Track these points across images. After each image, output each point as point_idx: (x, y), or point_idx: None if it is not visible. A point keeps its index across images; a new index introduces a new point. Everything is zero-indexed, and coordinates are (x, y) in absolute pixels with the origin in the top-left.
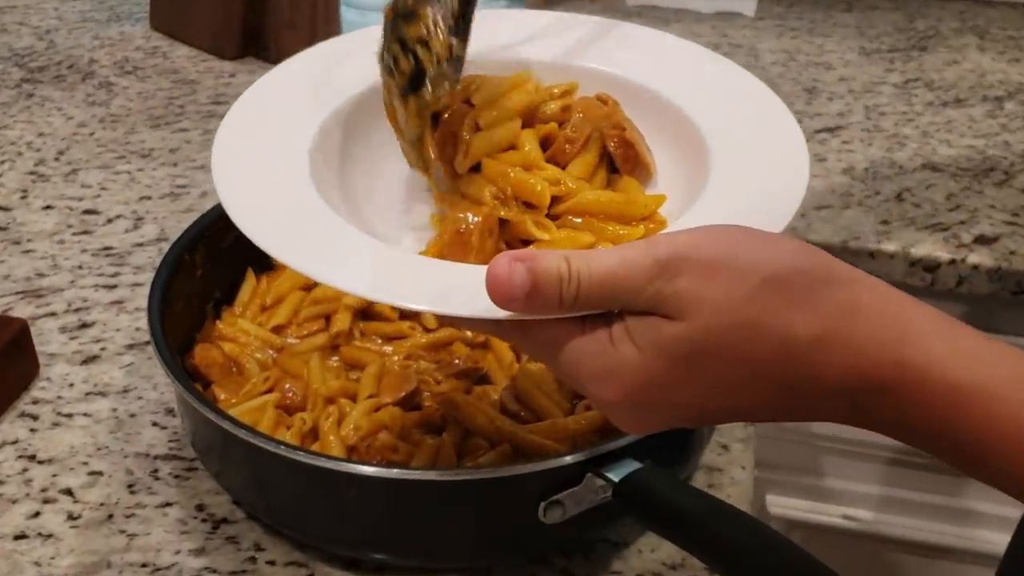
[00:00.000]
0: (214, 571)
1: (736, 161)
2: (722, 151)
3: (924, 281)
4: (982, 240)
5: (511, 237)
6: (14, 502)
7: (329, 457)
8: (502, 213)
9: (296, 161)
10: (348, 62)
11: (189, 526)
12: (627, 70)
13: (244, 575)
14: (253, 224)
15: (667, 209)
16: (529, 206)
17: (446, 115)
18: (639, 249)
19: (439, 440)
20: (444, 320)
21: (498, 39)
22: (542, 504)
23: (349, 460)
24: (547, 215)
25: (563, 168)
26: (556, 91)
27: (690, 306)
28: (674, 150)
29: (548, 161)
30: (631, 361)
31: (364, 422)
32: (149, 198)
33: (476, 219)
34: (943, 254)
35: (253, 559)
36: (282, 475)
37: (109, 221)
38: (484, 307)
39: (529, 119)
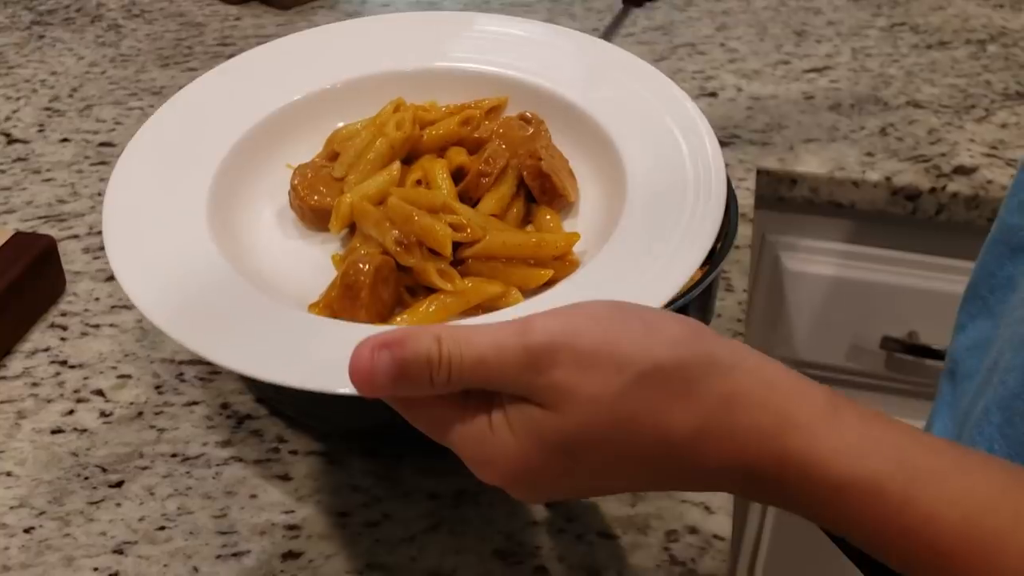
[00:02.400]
0: (240, 459)
1: (651, 196)
2: (640, 184)
3: (905, 209)
4: (961, 171)
5: (416, 283)
6: (49, 401)
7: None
8: (404, 260)
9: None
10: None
11: (215, 421)
12: (557, 84)
13: (268, 463)
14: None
15: (582, 246)
16: (435, 252)
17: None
18: (513, 334)
19: None
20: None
21: (428, 44)
22: None
23: None
24: (454, 260)
25: (477, 201)
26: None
27: (564, 400)
28: (598, 173)
29: (461, 194)
30: (509, 449)
31: None
32: None
33: (367, 268)
34: (924, 183)
35: (276, 449)
36: None
37: None
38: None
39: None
